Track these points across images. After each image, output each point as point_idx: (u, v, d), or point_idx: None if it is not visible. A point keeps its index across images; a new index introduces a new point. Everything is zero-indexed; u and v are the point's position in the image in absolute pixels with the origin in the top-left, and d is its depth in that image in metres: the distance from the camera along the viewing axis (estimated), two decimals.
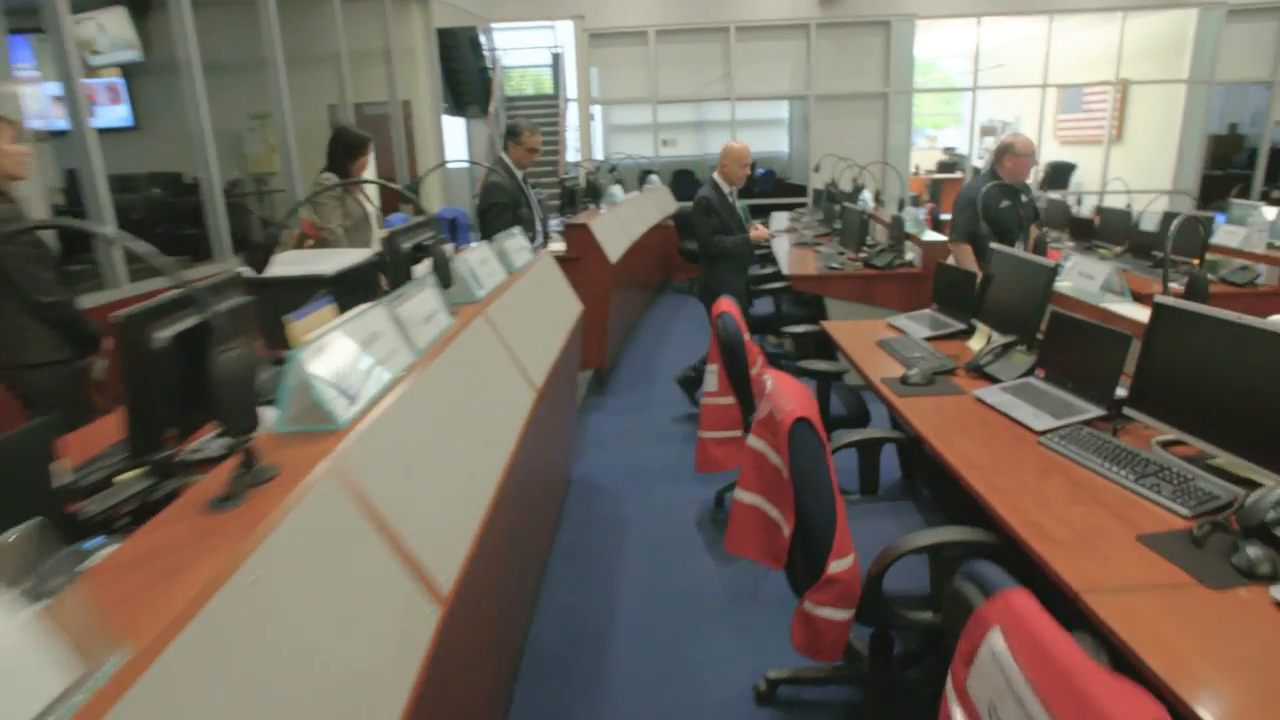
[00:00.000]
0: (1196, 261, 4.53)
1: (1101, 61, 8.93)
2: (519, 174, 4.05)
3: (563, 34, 9.47)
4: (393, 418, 1.40)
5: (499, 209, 3.81)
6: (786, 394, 1.68)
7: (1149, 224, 5.28)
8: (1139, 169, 8.92)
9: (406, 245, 2.17)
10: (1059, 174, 10.14)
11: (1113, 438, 1.85)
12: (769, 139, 11.79)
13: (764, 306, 4.67)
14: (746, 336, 2.76)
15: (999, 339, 2.43)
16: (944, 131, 14.30)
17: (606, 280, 4.61)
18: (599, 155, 9.63)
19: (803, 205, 8.67)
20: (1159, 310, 1.85)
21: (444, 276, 1.97)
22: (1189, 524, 1.46)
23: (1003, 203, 3.61)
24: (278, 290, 1.84)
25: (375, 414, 1.36)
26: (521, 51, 13.13)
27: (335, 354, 1.33)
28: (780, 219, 7.52)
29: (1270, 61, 8.42)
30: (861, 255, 4.69)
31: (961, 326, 2.86)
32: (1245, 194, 8.77)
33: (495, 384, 2.06)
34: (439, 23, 8.10)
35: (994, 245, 2.76)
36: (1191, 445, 1.76)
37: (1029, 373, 2.27)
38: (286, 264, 2.05)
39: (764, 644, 2.30)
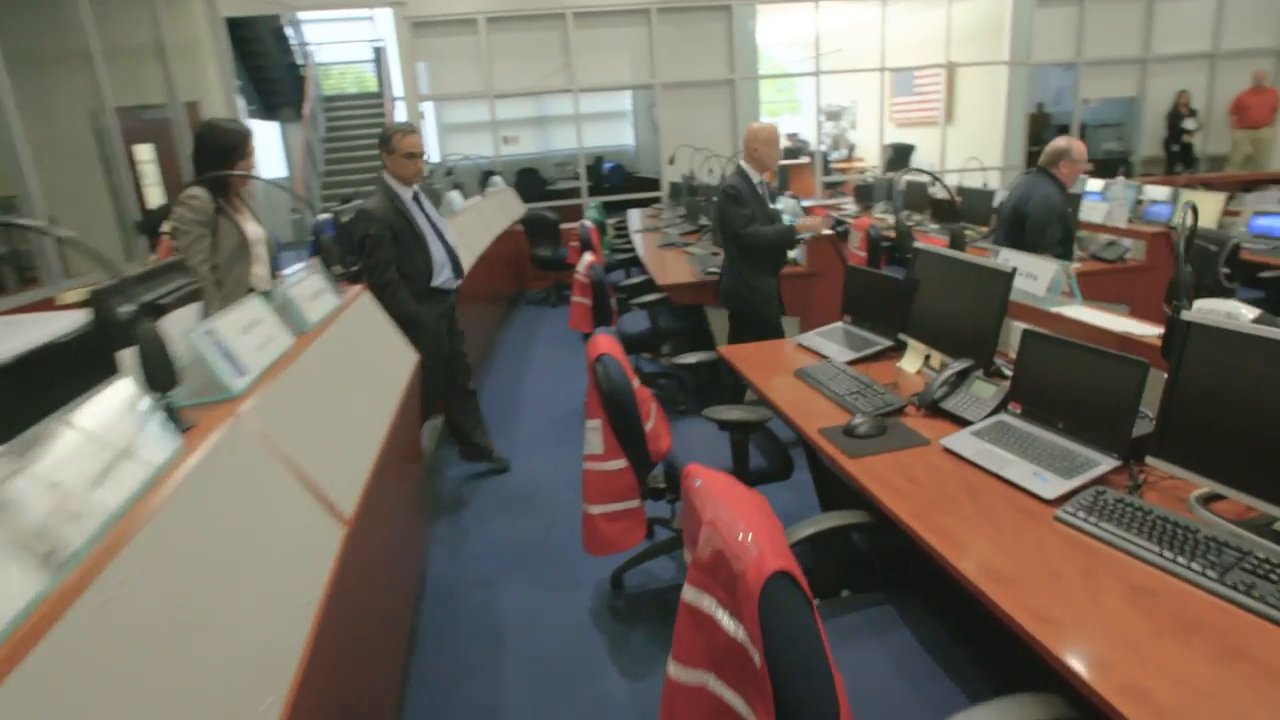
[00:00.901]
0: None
1: (931, 45, 9.12)
2: (405, 193, 3.03)
3: (383, 25, 8.43)
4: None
5: (372, 243, 2.91)
6: (740, 520, 1.07)
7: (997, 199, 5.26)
8: (970, 147, 9.21)
9: (128, 309, 1.35)
10: (900, 155, 10.36)
11: (1143, 501, 1.40)
12: (613, 132, 11.29)
13: (636, 322, 4.08)
14: (635, 383, 2.15)
15: (951, 364, 1.95)
16: (781, 119, 14.44)
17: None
18: (434, 158, 8.70)
19: (657, 200, 8.21)
20: (1189, 331, 1.41)
21: (158, 372, 1.18)
22: None
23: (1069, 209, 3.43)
24: None
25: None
26: (339, 46, 11.85)
27: None
28: (635, 217, 6.99)
29: (1075, 43, 8.90)
30: None
31: (886, 343, 2.40)
32: None
33: (268, 532, 1.30)
34: (227, 11, 6.87)
35: (917, 245, 2.31)
36: (1239, 502, 1.34)
37: (1001, 408, 1.80)
38: None
39: None
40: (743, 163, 3.45)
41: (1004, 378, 1.91)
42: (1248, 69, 8.92)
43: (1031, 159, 9.43)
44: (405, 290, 2.95)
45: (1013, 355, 1.83)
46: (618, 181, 10.30)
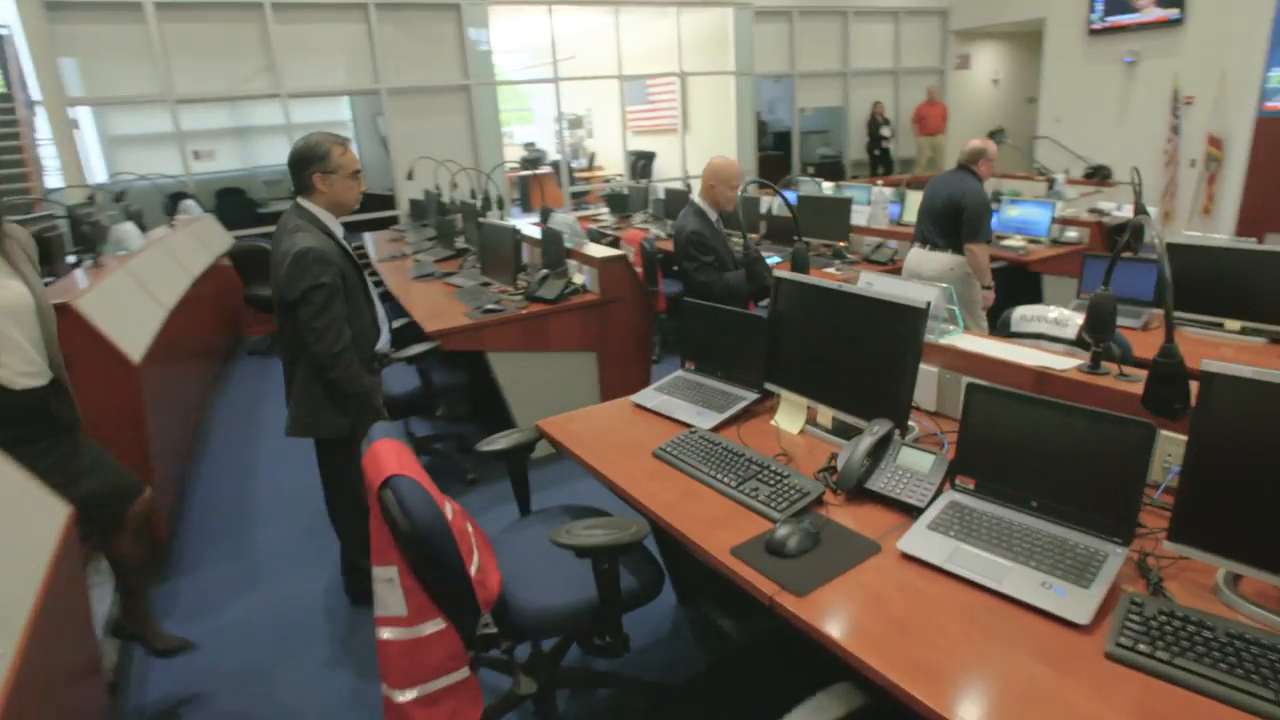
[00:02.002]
0: (843, 244, 4.46)
1: (663, 55, 9.19)
2: (337, 228, 2.25)
3: (5, 7, 6.38)
4: None
5: (324, 295, 2.09)
6: None
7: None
8: (707, 154, 9.47)
9: None
10: (644, 162, 10.40)
11: (1190, 609, 1.06)
12: None
13: (402, 379, 3.28)
14: (449, 511, 1.46)
15: (862, 427, 1.53)
16: (513, 128, 13.96)
17: (130, 391, 2.72)
18: (99, 177, 6.85)
19: (395, 221, 7.23)
20: (1212, 382, 1.10)
21: None
22: None
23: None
24: None
25: None
26: None
27: None
28: (373, 242, 6.02)
29: (789, 56, 9.53)
30: (520, 286, 3.58)
31: (751, 396, 1.94)
32: (786, 172, 9.92)
33: None
34: None
35: (780, 273, 1.88)
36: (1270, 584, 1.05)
37: (947, 483, 1.41)
38: None
39: None
40: (699, 201, 3.25)
41: (932, 439, 1.53)
42: (923, 84, 10.22)
43: (762, 164, 9.98)
44: (356, 360, 2.19)
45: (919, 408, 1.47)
46: None
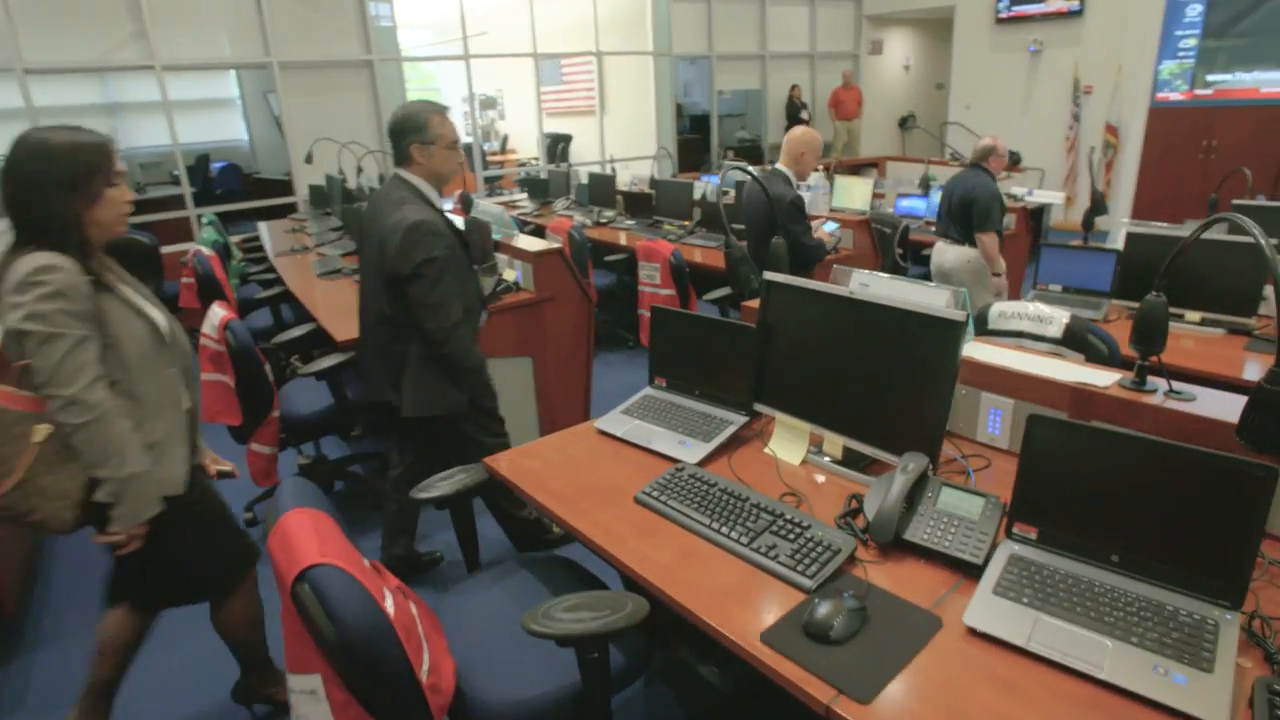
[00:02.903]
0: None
1: (578, 33, 8.80)
2: (439, 201, 2.17)
3: None
4: None
5: (436, 269, 2.02)
6: None
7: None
8: (625, 137, 9.19)
9: None
10: (561, 144, 10.00)
11: None
12: (219, 124, 9.12)
13: (309, 396, 2.85)
14: (388, 604, 1.13)
15: (896, 464, 1.29)
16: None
17: None
18: None
19: (294, 208, 6.60)
20: None
21: None
22: None
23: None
24: None
25: None
26: None
27: None
28: (269, 232, 5.43)
29: (707, 38, 9.31)
30: None
31: (739, 420, 1.68)
32: (706, 156, 9.74)
33: None
34: None
35: (774, 277, 1.61)
36: None
37: (1000, 531, 1.19)
38: None
39: None
40: (784, 168, 3.38)
41: (953, 466, 1.31)
42: (838, 69, 10.23)
43: (683, 146, 9.75)
44: (469, 334, 2.17)
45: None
46: (233, 186, 8.24)
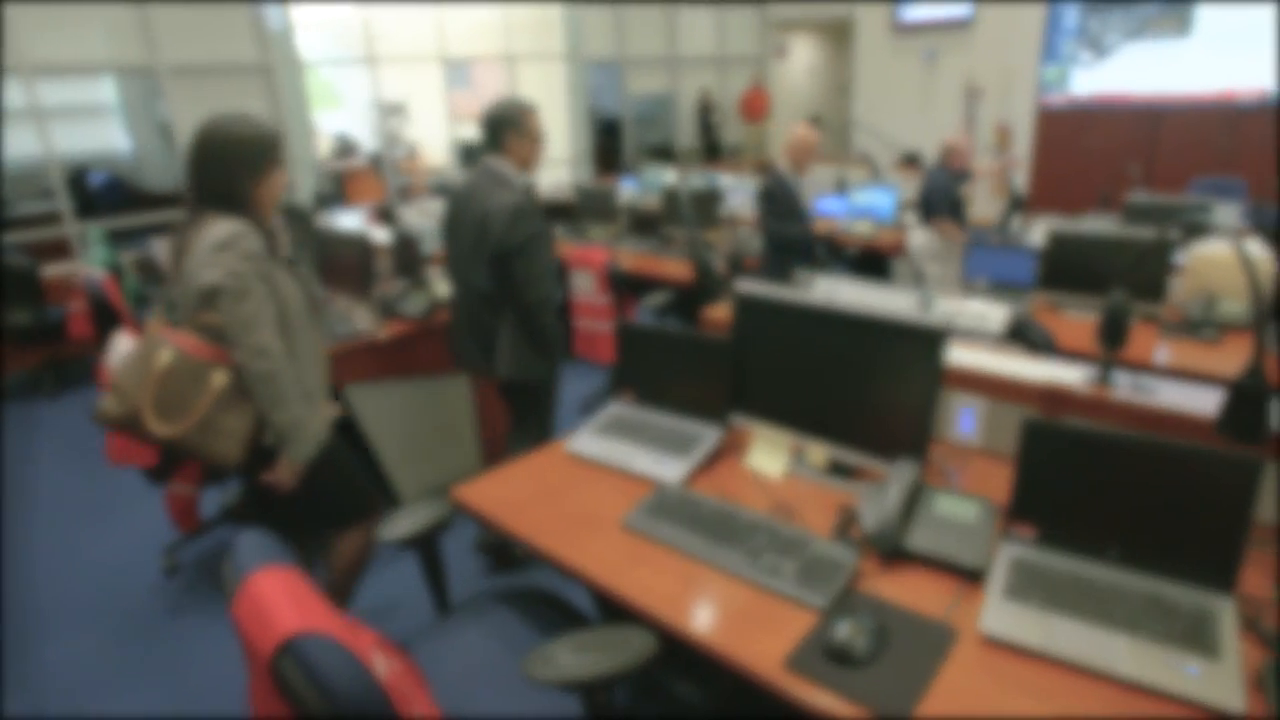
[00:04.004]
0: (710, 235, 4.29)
1: (486, 37, 8.63)
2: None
3: None
4: None
5: (537, 245, 2.21)
6: None
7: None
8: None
9: None
10: (473, 155, 9.75)
11: None
12: (96, 133, 8.44)
13: None
14: (382, 669, 1.03)
15: (886, 470, 1.29)
16: (318, 115, 12.65)
17: None
18: None
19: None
20: None
21: None
22: None
23: (950, 184, 4.46)
24: None
25: None
26: None
27: None
28: (164, 249, 5.03)
29: (617, 41, 9.31)
30: (373, 302, 3.03)
31: (716, 434, 1.64)
32: (618, 160, 9.74)
33: None
34: None
35: (747, 290, 1.58)
36: None
37: (996, 529, 1.20)
38: None
39: None
40: (783, 166, 3.90)
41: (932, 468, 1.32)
42: (747, 72, 10.45)
43: (597, 151, 9.71)
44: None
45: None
46: (116, 200, 7.61)
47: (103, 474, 3.30)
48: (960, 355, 1.60)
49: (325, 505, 1.91)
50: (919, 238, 4.53)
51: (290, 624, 0.94)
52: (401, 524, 1.50)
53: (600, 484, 1.55)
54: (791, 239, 3.89)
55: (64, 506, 3.19)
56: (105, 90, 7.94)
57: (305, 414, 1.70)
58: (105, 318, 3.42)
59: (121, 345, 2.35)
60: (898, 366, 1.35)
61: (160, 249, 5.10)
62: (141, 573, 2.64)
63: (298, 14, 7.21)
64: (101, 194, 7.65)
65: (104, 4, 5.74)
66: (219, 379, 1.63)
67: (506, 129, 2.28)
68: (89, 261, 4.78)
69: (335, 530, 1.97)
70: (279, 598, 0.99)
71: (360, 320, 2.86)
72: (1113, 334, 1.36)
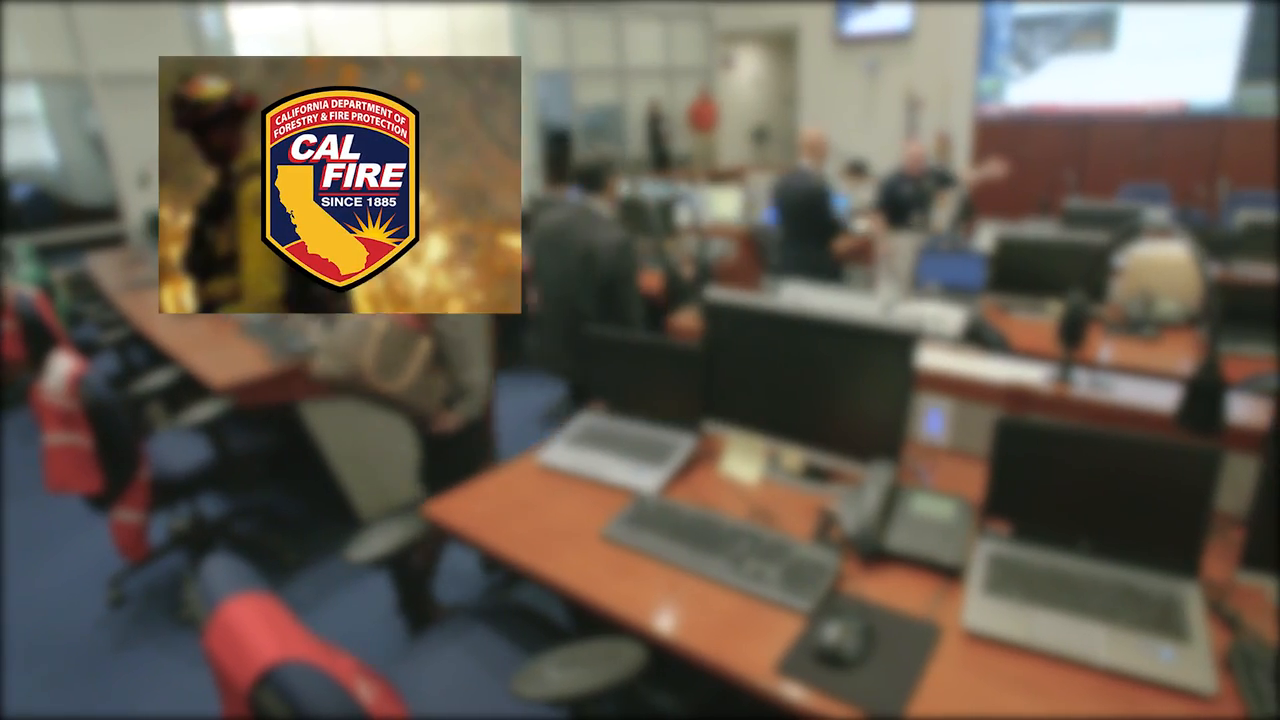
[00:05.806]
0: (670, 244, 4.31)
1: (434, 48, 8.52)
2: None
3: None
4: None
5: (638, 274, 2.57)
6: None
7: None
8: None
9: None
10: None
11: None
12: (18, 144, 8.03)
13: (184, 453, 2.54)
14: (366, 695, 1.00)
15: (862, 472, 1.31)
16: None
17: None
18: None
19: (121, 239, 5.94)
20: None
21: None
22: None
23: (903, 188, 4.69)
24: None
25: None
26: None
27: None
28: (103, 266, 4.83)
29: (566, 52, 9.32)
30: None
31: (690, 441, 1.64)
32: (566, 171, 9.73)
33: None
34: None
35: (718, 297, 1.59)
36: None
37: (972, 527, 1.23)
38: None
39: None
40: (808, 164, 4.02)
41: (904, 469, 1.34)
42: (694, 83, 10.56)
43: (546, 162, 9.68)
44: None
45: None
46: (43, 214, 7.25)
47: (41, 502, 3.13)
48: (927, 357, 1.64)
49: (458, 465, 2.07)
50: (887, 242, 4.66)
51: (269, 653, 0.90)
52: (375, 543, 1.45)
53: (575, 496, 1.53)
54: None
55: (18, 546, 3.01)
56: (28, 99, 7.56)
57: (482, 377, 2.01)
58: (37, 338, 3.26)
59: (60, 367, 2.24)
60: (870, 370, 1.38)
61: (97, 266, 4.88)
62: (85, 606, 2.51)
63: (237, 22, 7.01)
64: (26, 208, 7.29)
65: (24, 4, 5.48)
66: (424, 345, 1.89)
67: (605, 175, 2.68)
68: (17, 279, 4.54)
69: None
70: (255, 626, 0.95)
71: (314, 335, 2.78)
72: (1072, 334, 1.41)
